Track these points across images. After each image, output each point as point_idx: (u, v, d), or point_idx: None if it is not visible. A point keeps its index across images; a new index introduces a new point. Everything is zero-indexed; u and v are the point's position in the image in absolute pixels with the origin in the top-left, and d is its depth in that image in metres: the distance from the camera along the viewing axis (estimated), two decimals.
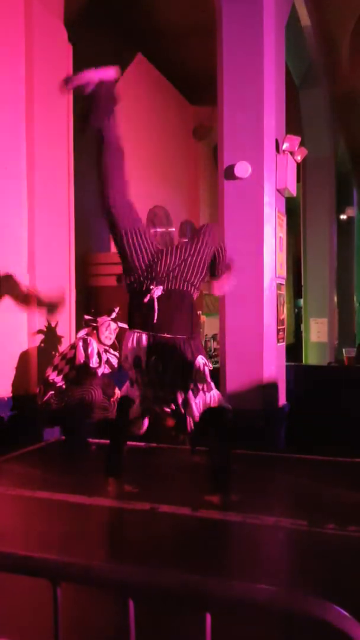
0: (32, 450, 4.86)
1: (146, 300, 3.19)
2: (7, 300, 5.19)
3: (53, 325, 5.51)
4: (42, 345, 5.42)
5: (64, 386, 4.70)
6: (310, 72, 8.06)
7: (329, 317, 9.24)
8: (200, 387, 3.26)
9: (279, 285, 5.12)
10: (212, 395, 3.30)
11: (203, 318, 10.73)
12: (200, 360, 3.25)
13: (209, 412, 3.28)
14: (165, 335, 3.19)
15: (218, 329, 5.26)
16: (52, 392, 4.70)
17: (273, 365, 4.93)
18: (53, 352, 5.39)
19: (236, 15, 4.90)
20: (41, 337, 5.42)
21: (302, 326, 9.51)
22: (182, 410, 3.27)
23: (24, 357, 5.34)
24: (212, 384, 3.35)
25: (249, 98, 4.88)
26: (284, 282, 5.37)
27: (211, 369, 3.34)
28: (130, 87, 8.17)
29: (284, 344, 5.35)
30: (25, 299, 5.37)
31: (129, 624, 1.24)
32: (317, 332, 9.19)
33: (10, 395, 5.15)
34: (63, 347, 5.41)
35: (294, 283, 16.50)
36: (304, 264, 9.32)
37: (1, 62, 5.20)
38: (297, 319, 14.87)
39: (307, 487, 3.85)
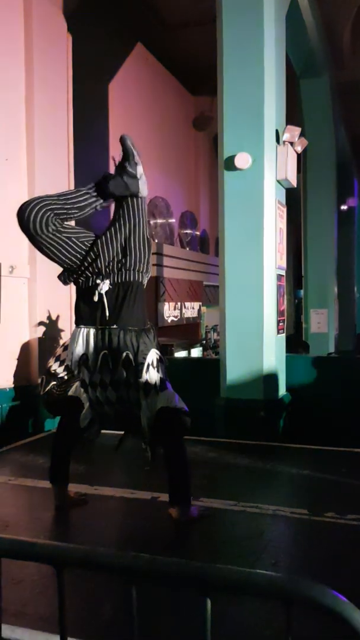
0: (34, 440, 4.89)
1: (96, 298, 2.99)
2: (8, 292, 5.20)
3: (54, 315, 5.52)
4: (44, 335, 5.44)
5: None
6: (310, 62, 7.99)
7: (329, 308, 9.23)
8: (152, 385, 2.91)
9: (279, 276, 5.13)
10: (165, 395, 2.94)
11: (203, 309, 10.75)
12: (154, 354, 2.95)
13: (163, 414, 2.90)
14: (115, 328, 2.95)
15: (218, 320, 5.27)
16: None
17: (273, 356, 4.95)
18: (54, 343, 5.40)
19: (236, 5, 4.88)
20: (42, 328, 5.43)
21: (302, 317, 9.50)
22: (135, 412, 2.95)
23: (25, 347, 5.36)
24: (168, 383, 2.99)
25: (249, 88, 4.86)
26: (284, 273, 5.37)
27: (167, 364, 3.05)
28: (129, 77, 8.15)
29: (284, 334, 5.37)
30: (26, 290, 5.38)
31: (132, 609, 1.26)
32: (318, 323, 9.18)
33: (12, 385, 5.18)
34: (64, 337, 5.43)
35: (295, 274, 16.49)
36: (304, 254, 9.29)
37: (0, 52, 5.18)
38: (298, 310, 14.87)
39: (307, 477, 3.88)
